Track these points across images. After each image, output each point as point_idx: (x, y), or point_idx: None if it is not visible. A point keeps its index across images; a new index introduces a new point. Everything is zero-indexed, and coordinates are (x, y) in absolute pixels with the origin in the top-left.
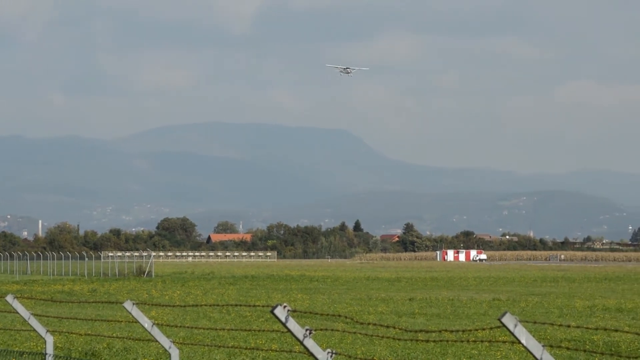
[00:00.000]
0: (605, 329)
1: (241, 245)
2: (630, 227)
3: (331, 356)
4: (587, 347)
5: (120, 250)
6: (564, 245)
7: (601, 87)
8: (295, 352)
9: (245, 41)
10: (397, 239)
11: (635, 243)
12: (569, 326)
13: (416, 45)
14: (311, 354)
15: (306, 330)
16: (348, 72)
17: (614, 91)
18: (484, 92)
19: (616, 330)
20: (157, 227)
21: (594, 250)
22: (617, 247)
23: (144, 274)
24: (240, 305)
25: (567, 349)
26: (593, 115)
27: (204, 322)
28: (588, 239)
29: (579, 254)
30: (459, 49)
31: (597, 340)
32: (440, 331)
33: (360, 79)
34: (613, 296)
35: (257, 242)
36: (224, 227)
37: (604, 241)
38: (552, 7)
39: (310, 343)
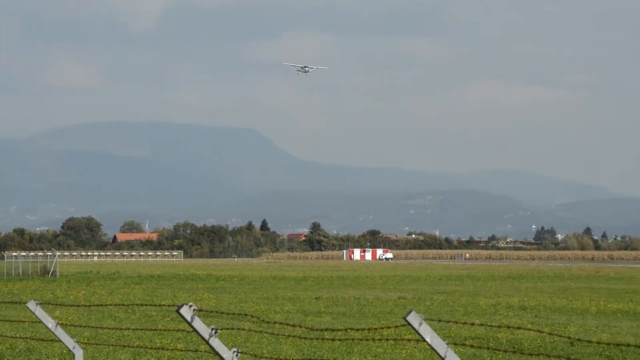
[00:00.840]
0: (509, 327)
1: (147, 244)
2: (533, 226)
3: (237, 355)
4: (491, 344)
5: (25, 250)
6: (469, 244)
7: (507, 87)
8: (201, 351)
9: (152, 39)
10: (304, 238)
11: (538, 242)
12: (473, 324)
13: (325, 44)
14: (217, 354)
15: (212, 329)
16: (306, 71)
17: (520, 91)
18: (392, 91)
19: (519, 328)
20: (62, 227)
21: (499, 249)
22: (521, 245)
23: (48, 274)
24: (146, 305)
25: (471, 346)
26: (499, 115)
27: (109, 321)
28: (493, 238)
29: (484, 252)
30: (367, 48)
31: (500, 338)
32: (346, 330)
33: (269, 78)
34: (516, 294)
35: (164, 242)
36: (130, 227)
37: (508, 240)
38: (459, 8)
39: (216, 342)
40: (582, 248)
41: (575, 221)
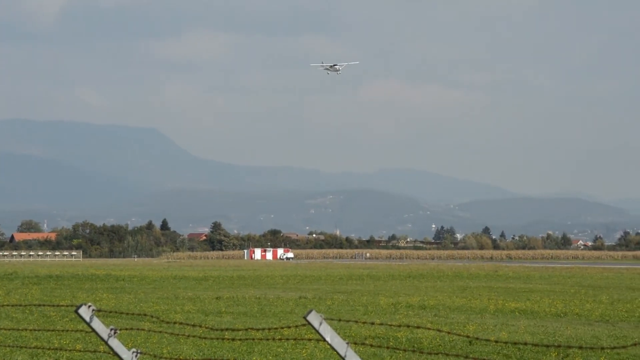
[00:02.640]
0: (409, 326)
1: (46, 244)
2: (433, 226)
3: (136, 356)
4: (391, 343)
5: None
6: (370, 243)
7: (407, 87)
8: (100, 352)
9: (51, 37)
10: (204, 237)
11: (438, 241)
12: (373, 323)
13: (226, 43)
14: (116, 354)
15: (111, 329)
16: (337, 70)
17: (419, 92)
18: (291, 91)
19: (419, 327)
20: None
21: (399, 248)
22: (421, 245)
23: None
24: (44, 305)
25: (371, 346)
26: (399, 115)
27: (6, 322)
28: (393, 237)
29: (384, 252)
30: (267, 48)
31: (400, 337)
32: (246, 329)
33: (170, 77)
34: (416, 293)
35: (62, 241)
36: (28, 226)
37: (408, 239)
38: (359, 8)
39: (115, 343)
40: (481, 247)
41: (474, 221)
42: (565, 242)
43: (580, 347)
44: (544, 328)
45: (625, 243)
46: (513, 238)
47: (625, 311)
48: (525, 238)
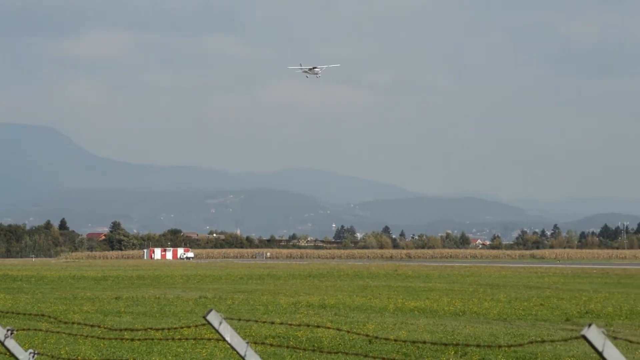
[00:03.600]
0: (309, 325)
1: None
2: (333, 225)
3: (33, 356)
4: (291, 343)
5: None
6: (270, 242)
7: (309, 87)
8: None
9: None
10: (103, 237)
11: (338, 241)
12: (273, 323)
13: (127, 42)
14: (12, 355)
15: (7, 330)
16: (316, 73)
17: (321, 91)
18: (194, 90)
19: (319, 327)
20: None
21: (299, 247)
22: (322, 244)
23: None
24: None
25: (271, 345)
26: (300, 115)
27: None
28: (293, 237)
29: (285, 251)
30: (169, 46)
31: (300, 336)
32: (146, 329)
33: (70, 76)
34: (317, 293)
35: None
36: None
37: (308, 239)
38: (262, 7)
39: (11, 343)
40: (381, 247)
41: (374, 220)
42: (463, 241)
43: (478, 346)
44: (442, 327)
45: (522, 242)
46: (413, 237)
47: (522, 309)
48: (424, 237)
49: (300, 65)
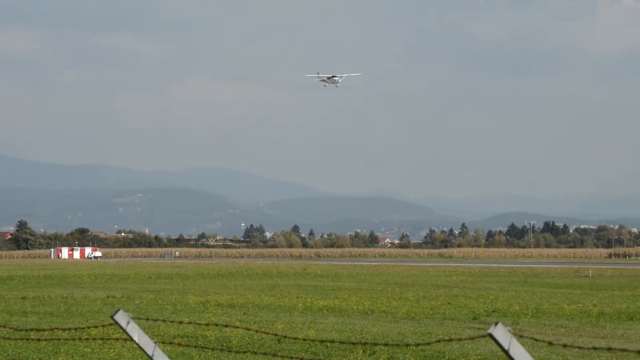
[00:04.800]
0: (217, 325)
1: None
2: (242, 224)
3: None
4: (200, 342)
5: None
6: (179, 242)
7: (216, 85)
8: None
9: None
10: (9, 236)
11: (247, 240)
12: (181, 322)
13: (35, 39)
14: None
15: None
16: (335, 82)
17: (231, 90)
18: (101, 87)
19: (227, 326)
20: None
21: (208, 247)
22: (231, 243)
23: None
24: None
25: (180, 345)
26: (210, 113)
27: None
28: (202, 236)
29: (193, 250)
30: (76, 44)
31: (209, 335)
32: (53, 329)
33: None
34: (226, 292)
35: None
36: None
37: (217, 238)
38: (172, 5)
39: None
40: (290, 246)
41: (283, 219)
42: (372, 240)
43: (386, 344)
44: (351, 326)
45: (430, 241)
46: (322, 236)
47: (430, 308)
48: (333, 236)
49: (318, 74)
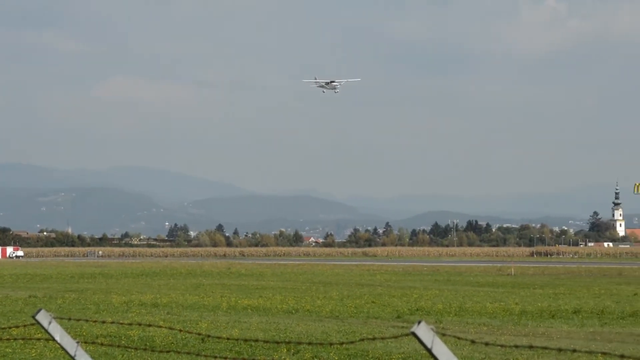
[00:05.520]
0: (140, 324)
1: None
2: (167, 223)
3: None
4: (123, 342)
5: None
6: (102, 241)
7: (141, 84)
8: None
9: None
10: None
11: (171, 239)
12: (104, 322)
13: None
14: None
15: None
16: (334, 87)
17: (153, 87)
18: (23, 85)
19: (150, 325)
20: None
21: (132, 246)
22: (155, 243)
23: None
24: None
25: (102, 344)
26: (132, 111)
27: None
28: (126, 235)
29: (117, 250)
30: None
31: (133, 335)
32: None
33: None
34: (149, 291)
35: None
36: None
37: (141, 237)
38: (89, 2)
39: None
40: (214, 245)
41: (207, 218)
42: (297, 239)
43: (310, 343)
44: (275, 325)
45: (355, 240)
46: (246, 235)
47: (354, 307)
48: (258, 235)
49: (316, 79)
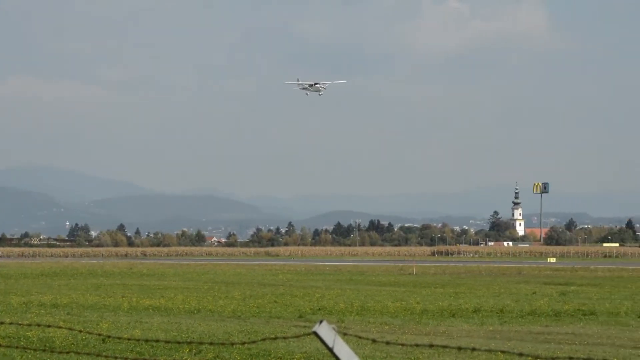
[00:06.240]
0: (40, 325)
1: None
2: (67, 223)
3: None
4: (22, 343)
5: None
6: (1, 241)
7: (40, 83)
8: None
9: None
10: None
11: (72, 239)
12: (2, 323)
13: None
14: None
15: None
16: (318, 90)
17: (56, 86)
18: None
19: (50, 326)
20: None
21: (32, 246)
22: (55, 243)
23: None
24: None
25: (0, 346)
26: (33, 110)
27: None
28: (26, 235)
29: (17, 249)
30: None
31: (31, 336)
32: None
33: None
34: (49, 292)
35: None
36: None
37: (41, 237)
38: None
39: None
40: (116, 245)
41: (109, 218)
42: (199, 239)
43: (212, 343)
44: (177, 325)
45: (257, 239)
46: (148, 235)
47: (257, 307)
48: (160, 235)
49: (298, 81)
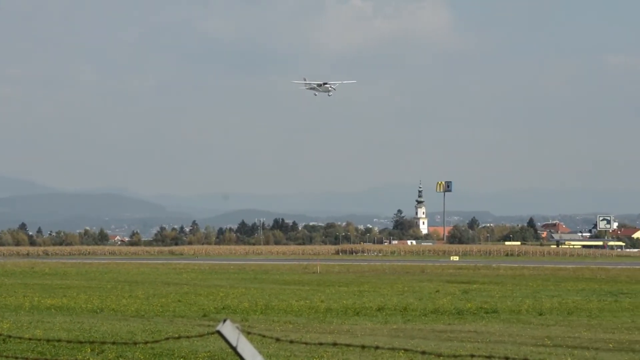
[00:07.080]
0: None
1: None
2: None
3: None
4: None
5: None
6: None
7: None
8: None
9: None
10: None
11: None
12: None
13: None
14: None
15: None
16: (328, 90)
17: None
18: None
19: None
20: None
21: None
22: None
23: None
24: None
25: None
26: None
27: None
28: None
29: None
30: None
31: None
32: None
33: None
34: None
35: None
36: None
37: None
38: None
39: None
40: (17, 244)
41: (11, 216)
42: (102, 238)
43: (115, 343)
44: (80, 324)
45: (161, 238)
46: (50, 234)
47: (160, 306)
48: (62, 234)
49: (305, 80)
